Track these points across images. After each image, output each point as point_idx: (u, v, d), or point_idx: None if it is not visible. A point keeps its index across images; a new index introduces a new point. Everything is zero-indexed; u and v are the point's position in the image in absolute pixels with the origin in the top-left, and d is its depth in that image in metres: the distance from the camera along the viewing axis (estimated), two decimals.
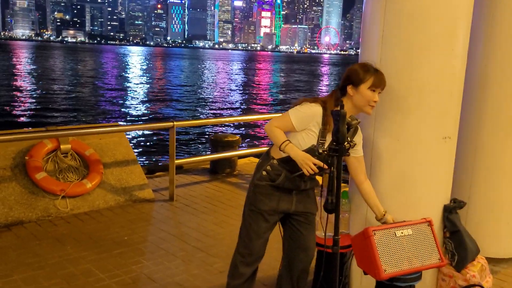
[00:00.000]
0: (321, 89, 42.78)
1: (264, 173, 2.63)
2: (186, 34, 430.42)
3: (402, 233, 2.56)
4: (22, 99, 26.52)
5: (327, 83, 50.31)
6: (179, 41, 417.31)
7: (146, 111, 24.07)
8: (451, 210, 3.03)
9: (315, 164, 2.42)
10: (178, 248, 4.14)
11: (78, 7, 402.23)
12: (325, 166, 2.39)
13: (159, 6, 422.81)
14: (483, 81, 3.68)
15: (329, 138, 2.50)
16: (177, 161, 5.64)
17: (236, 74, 57.53)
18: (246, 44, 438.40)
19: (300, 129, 2.52)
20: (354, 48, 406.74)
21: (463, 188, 3.78)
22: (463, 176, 3.78)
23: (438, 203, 3.01)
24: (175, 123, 5.51)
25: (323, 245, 2.74)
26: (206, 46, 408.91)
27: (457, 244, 3.05)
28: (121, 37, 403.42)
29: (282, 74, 62.59)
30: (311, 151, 2.49)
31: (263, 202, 2.65)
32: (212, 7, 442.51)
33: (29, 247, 4.05)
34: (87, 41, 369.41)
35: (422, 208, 2.88)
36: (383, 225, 2.63)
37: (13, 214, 4.53)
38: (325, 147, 2.49)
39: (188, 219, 4.88)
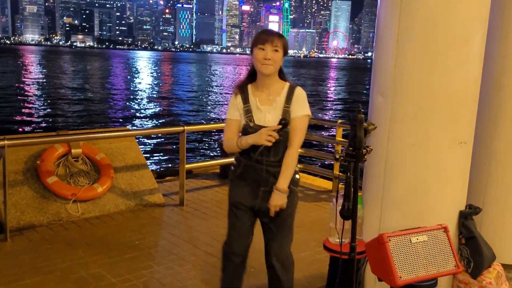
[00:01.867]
0: (327, 94, 42.65)
1: (232, 168, 2.86)
2: (194, 38, 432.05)
3: (417, 239, 2.52)
4: (33, 104, 26.74)
5: (334, 88, 50.12)
6: (187, 45, 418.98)
7: (156, 116, 24.16)
8: (467, 216, 2.99)
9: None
10: (189, 252, 4.13)
11: (87, 12, 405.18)
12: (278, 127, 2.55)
13: (167, 10, 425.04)
14: (498, 84, 3.61)
15: (253, 102, 2.67)
16: (187, 166, 5.63)
17: None
18: None
19: (238, 116, 2.72)
20: (362, 52, 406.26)
21: (478, 194, 3.72)
22: (477, 181, 3.72)
23: (454, 209, 2.97)
24: (185, 127, 5.52)
25: (339, 251, 2.72)
26: (214, 50, 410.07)
27: (472, 251, 3.00)
28: (129, 41, 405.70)
29: (290, 78, 62.50)
30: (245, 126, 2.66)
31: (231, 195, 2.87)
32: (220, 12, 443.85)
33: (40, 251, 4.06)
34: (95, 45, 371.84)
35: (438, 214, 2.84)
36: (398, 231, 2.59)
37: (25, 218, 4.54)
38: (252, 114, 2.65)
39: (198, 223, 4.87)
